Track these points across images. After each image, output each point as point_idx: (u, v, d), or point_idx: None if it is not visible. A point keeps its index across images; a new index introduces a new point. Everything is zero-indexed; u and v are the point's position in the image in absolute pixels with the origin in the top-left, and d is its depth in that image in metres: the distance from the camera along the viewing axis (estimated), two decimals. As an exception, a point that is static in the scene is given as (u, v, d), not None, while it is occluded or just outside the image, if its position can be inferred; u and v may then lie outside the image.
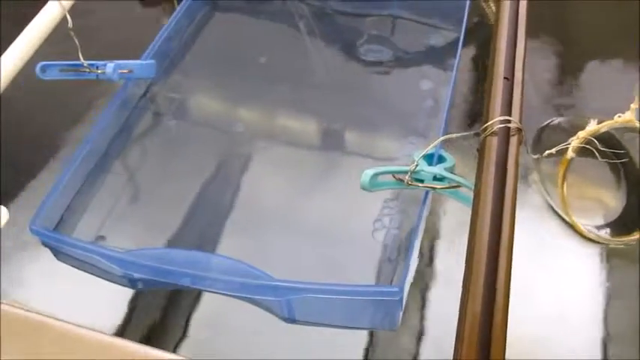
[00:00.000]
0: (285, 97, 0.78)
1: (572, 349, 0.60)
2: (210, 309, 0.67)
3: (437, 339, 0.64)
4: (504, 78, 0.61)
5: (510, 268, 0.48)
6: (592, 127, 0.61)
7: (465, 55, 0.82)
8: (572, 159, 0.60)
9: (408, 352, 0.63)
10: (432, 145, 0.57)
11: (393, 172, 0.58)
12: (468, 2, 0.78)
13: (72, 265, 0.62)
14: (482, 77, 0.81)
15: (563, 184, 0.62)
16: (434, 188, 0.58)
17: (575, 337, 0.61)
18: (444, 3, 0.82)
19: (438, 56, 0.82)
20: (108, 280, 0.63)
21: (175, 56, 0.80)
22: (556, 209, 0.65)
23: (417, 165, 0.58)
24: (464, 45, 0.79)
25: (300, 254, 0.64)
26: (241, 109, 0.77)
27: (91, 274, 0.62)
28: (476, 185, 0.53)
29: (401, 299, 0.54)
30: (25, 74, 0.65)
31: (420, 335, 0.65)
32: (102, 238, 0.65)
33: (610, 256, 0.66)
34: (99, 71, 0.68)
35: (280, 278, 0.55)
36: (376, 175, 0.57)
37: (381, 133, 0.75)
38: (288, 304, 0.56)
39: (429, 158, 0.62)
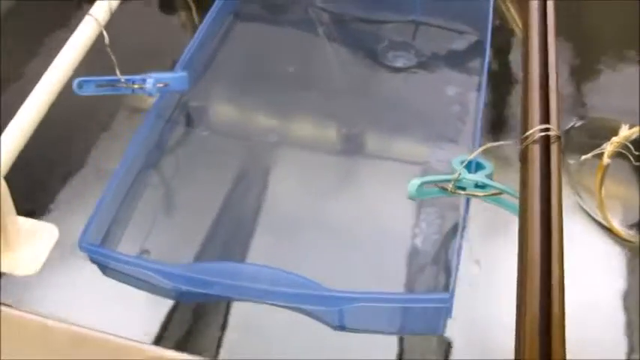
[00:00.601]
0: (315, 105, 0.79)
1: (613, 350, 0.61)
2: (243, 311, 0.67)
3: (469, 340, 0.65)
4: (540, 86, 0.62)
5: (563, 271, 0.49)
6: (625, 131, 0.62)
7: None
8: (608, 165, 0.62)
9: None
10: (474, 154, 0.58)
11: (437, 182, 0.59)
12: (491, 6, 0.79)
13: (118, 280, 0.63)
14: (504, 81, 0.82)
15: (600, 188, 0.63)
16: (476, 196, 0.60)
17: (614, 338, 0.62)
18: (466, 7, 0.84)
19: (462, 61, 0.84)
20: (153, 292, 0.63)
21: (204, 67, 0.81)
22: (590, 213, 0.67)
23: (460, 174, 0.59)
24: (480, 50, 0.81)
25: (342, 262, 0.65)
26: (272, 118, 0.78)
27: (136, 287, 0.63)
28: (522, 193, 0.54)
29: (451, 305, 0.55)
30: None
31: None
32: (146, 252, 0.65)
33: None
34: (135, 86, 0.69)
35: (330, 288, 0.56)
36: (422, 184, 0.58)
37: (411, 139, 0.76)
38: (339, 313, 0.57)
39: (467, 165, 0.63)
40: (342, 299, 0.55)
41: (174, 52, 0.85)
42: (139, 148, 0.68)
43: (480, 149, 0.58)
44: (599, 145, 0.65)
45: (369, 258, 0.65)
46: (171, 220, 0.69)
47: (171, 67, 0.82)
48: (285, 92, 0.81)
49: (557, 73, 0.62)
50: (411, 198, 0.58)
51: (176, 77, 0.71)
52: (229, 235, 0.68)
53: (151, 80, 0.66)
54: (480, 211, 0.68)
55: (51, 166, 0.73)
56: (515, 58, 0.83)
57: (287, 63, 0.83)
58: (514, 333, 0.60)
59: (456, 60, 0.84)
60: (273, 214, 0.70)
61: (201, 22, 0.82)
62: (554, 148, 0.56)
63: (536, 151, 0.56)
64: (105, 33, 0.66)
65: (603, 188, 0.63)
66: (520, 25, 0.87)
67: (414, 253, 0.66)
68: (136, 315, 0.63)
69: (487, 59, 0.74)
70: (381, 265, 0.65)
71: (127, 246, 0.66)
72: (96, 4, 0.66)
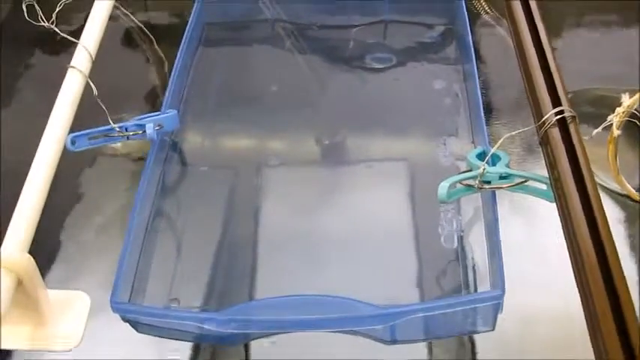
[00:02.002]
0: (306, 121, 0.79)
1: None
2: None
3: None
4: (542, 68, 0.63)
5: (617, 254, 0.50)
6: (627, 101, 0.63)
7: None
8: (618, 136, 0.63)
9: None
10: (496, 146, 0.58)
11: (463, 180, 0.59)
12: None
13: (152, 334, 0.61)
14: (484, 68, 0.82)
15: (615, 159, 0.64)
16: (502, 188, 0.60)
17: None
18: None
19: (440, 53, 0.84)
20: (187, 340, 0.62)
21: (187, 101, 0.78)
22: (606, 185, 0.68)
23: (484, 168, 0.58)
24: (457, 38, 0.81)
25: (375, 275, 0.65)
26: (269, 140, 0.77)
27: (170, 337, 0.61)
28: (554, 178, 0.55)
29: (502, 301, 0.55)
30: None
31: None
32: (176, 300, 0.63)
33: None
34: (130, 133, 0.67)
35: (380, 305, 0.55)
36: (451, 185, 0.58)
37: (411, 139, 0.76)
38: (392, 329, 0.56)
39: (481, 158, 0.63)
40: (394, 315, 0.54)
41: (144, 90, 0.84)
42: (146, 196, 0.66)
43: (502, 140, 0.58)
44: (599, 116, 0.66)
45: (405, 266, 0.64)
46: (186, 264, 0.67)
47: (148, 107, 0.80)
48: (274, 113, 0.79)
49: (552, 52, 0.62)
50: (443, 201, 0.57)
51: (168, 117, 0.69)
52: (254, 268, 0.67)
53: (151, 125, 0.64)
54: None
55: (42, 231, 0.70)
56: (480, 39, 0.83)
57: (267, 82, 0.82)
58: (553, 323, 0.61)
59: (434, 53, 0.84)
60: (293, 236, 0.69)
61: (169, 55, 0.80)
62: (572, 128, 0.56)
63: (556, 135, 0.56)
64: (92, 84, 0.63)
65: (614, 159, 0.64)
66: (486, 7, 0.87)
67: (448, 254, 0.65)
68: None
69: (471, 46, 0.74)
70: (421, 272, 0.65)
71: (154, 299, 0.64)
72: (76, 53, 0.64)
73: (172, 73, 0.75)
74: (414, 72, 0.82)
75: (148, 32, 0.87)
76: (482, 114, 0.67)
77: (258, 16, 0.87)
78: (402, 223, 0.69)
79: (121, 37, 0.90)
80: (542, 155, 0.58)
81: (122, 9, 0.86)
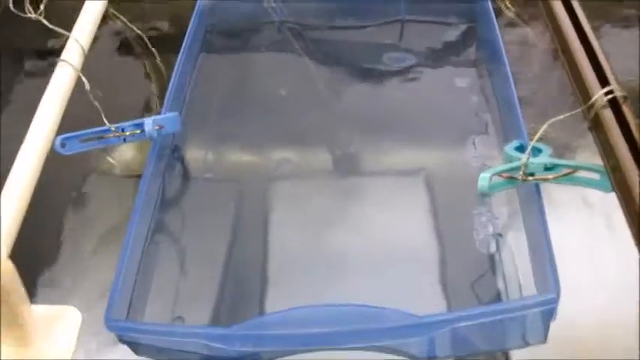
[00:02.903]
0: (318, 128, 0.72)
1: None
2: None
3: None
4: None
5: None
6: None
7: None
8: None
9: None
10: (541, 130, 0.51)
11: (505, 171, 0.52)
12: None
13: (153, 357, 0.53)
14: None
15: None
16: (548, 179, 0.53)
17: None
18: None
19: (460, 51, 0.78)
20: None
21: (190, 106, 0.72)
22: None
23: (528, 158, 0.51)
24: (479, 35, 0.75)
25: (400, 291, 0.57)
26: (277, 149, 0.70)
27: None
28: (613, 167, 0.48)
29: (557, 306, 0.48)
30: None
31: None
32: (179, 319, 0.56)
33: None
34: (127, 133, 0.60)
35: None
36: (491, 177, 0.51)
37: (434, 141, 0.69)
38: (429, 342, 0.49)
39: (520, 150, 0.56)
40: (435, 324, 0.46)
41: (142, 101, 0.77)
42: (145, 208, 0.59)
43: (545, 125, 0.51)
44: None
45: (441, 276, 0.57)
46: (191, 279, 0.59)
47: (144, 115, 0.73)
48: (285, 119, 0.73)
49: (592, 31, 0.56)
50: (484, 193, 0.50)
51: (169, 118, 0.62)
52: (251, 283, 0.59)
53: (150, 122, 0.57)
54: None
55: (34, 245, 0.63)
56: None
57: (275, 87, 0.75)
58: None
59: (454, 51, 0.78)
60: (307, 246, 0.62)
61: (170, 64, 0.74)
62: (626, 109, 0.50)
63: (609, 117, 0.50)
64: (84, 78, 0.56)
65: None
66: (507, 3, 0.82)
67: (485, 259, 0.58)
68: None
69: (500, 39, 0.68)
70: (457, 280, 0.58)
71: (155, 317, 0.56)
72: (67, 47, 0.57)
73: (172, 77, 0.69)
74: (434, 71, 0.76)
75: (146, 39, 0.81)
76: (518, 107, 0.60)
77: (264, 18, 0.81)
78: (427, 233, 0.62)
79: (118, 46, 0.83)
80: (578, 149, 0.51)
81: (119, 16, 0.79)
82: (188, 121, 0.70)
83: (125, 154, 0.72)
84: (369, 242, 0.62)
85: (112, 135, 0.59)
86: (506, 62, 0.66)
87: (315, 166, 0.70)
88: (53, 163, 0.57)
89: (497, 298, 0.55)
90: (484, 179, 0.50)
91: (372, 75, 0.77)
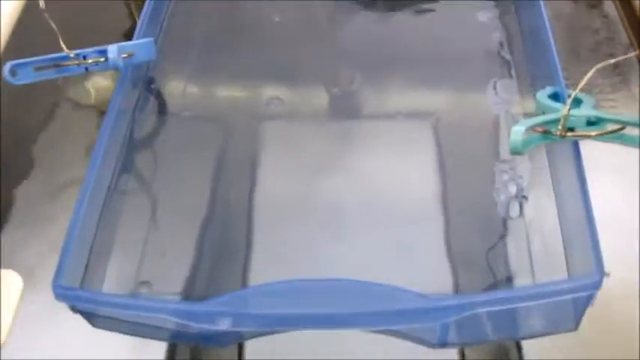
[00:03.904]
0: (315, 61, 0.62)
1: None
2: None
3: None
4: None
5: None
6: None
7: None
8: None
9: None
10: (588, 75, 0.42)
11: (541, 124, 0.43)
12: None
13: (112, 330, 0.45)
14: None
15: None
16: (590, 136, 0.44)
17: None
18: None
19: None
20: (160, 339, 0.46)
21: (168, 30, 0.62)
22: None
23: (569, 109, 0.42)
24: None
25: (404, 255, 0.49)
26: (268, 84, 0.60)
27: (139, 336, 0.45)
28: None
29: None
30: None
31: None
32: (146, 283, 0.47)
33: None
34: (89, 61, 0.50)
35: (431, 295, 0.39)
36: (526, 130, 0.42)
37: (454, 81, 0.60)
38: (442, 328, 0.40)
39: (556, 99, 0.47)
40: (455, 308, 0.38)
41: (114, 24, 0.67)
42: (108, 150, 0.49)
43: (591, 73, 0.42)
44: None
45: (453, 246, 0.48)
46: (161, 236, 0.51)
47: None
48: (269, 48, 0.63)
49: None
50: (516, 151, 0.41)
51: (141, 45, 0.52)
52: (234, 242, 0.50)
53: (114, 49, 0.47)
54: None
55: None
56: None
57: (267, 11, 0.65)
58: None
59: None
60: (299, 203, 0.53)
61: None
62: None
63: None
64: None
65: None
66: None
67: (492, 227, 0.49)
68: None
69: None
70: (439, 251, 0.50)
71: (118, 281, 0.47)
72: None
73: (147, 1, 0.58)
74: (451, 1, 0.65)
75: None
76: (554, 46, 0.50)
77: None
78: (436, 188, 0.53)
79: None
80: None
81: None
82: (165, 48, 0.60)
83: (100, 82, 0.62)
84: (369, 195, 0.54)
85: (70, 63, 0.49)
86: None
87: (310, 106, 0.61)
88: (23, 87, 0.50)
89: (520, 275, 0.47)
90: (517, 133, 0.41)
91: (378, 5, 0.66)
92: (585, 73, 0.42)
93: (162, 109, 0.59)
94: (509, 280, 0.47)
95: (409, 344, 0.43)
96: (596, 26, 0.65)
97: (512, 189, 0.51)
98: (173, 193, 0.54)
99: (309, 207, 0.53)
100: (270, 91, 0.61)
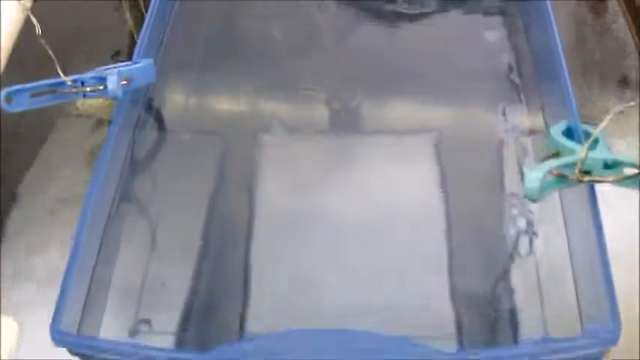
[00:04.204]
0: (318, 75, 0.60)
1: None
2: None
3: None
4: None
5: None
6: None
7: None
8: None
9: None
10: (608, 118, 0.41)
11: (558, 167, 0.42)
12: None
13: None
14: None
15: None
16: (607, 181, 0.42)
17: None
18: None
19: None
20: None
21: (167, 49, 0.60)
22: None
23: (586, 152, 0.41)
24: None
25: (418, 293, 0.47)
26: (269, 102, 0.58)
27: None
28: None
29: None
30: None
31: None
32: (146, 322, 0.46)
33: None
34: (87, 89, 0.48)
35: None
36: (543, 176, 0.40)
37: (459, 105, 0.58)
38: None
39: (569, 135, 0.46)
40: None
41: (109, 36, 0.65)
42: (108, 175, 0.48)
43: (614, 112, 0.40)
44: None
45: (460, 286, 0.47)
46: (162, 267, 0.49)
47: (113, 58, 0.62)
48: (270, 67, 0.62)
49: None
50: (532, 199, 0.40)
51: (140, 68, 0.51)
52: (234, 267, 0.50)
53: (114, 79, 0.45)
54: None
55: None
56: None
57: (268, 29, 0.63)
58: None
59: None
60: (280, 223, 0.52)
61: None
62: None
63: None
64: (34, 20, 0.44)
65: None
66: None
67: (500, 263, 0.48)
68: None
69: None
70: (483, 292, 0.48)
71: (117, 319, 0.46)
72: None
73: (149, 12, 0.56)
74: (458, 20, 0.64)
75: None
76: (566, 73, 0.49)
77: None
78: (443, 219, 0.51)
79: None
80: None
81: None
82: (164, 67, 0.58)
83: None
84: (370, 220, 0.53)
85: (68, 91, 0.47)
86: (551, 15, 0.54)
87: (311, 123, 0.59)
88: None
89: (526, 316, 0.45)
90: (533, 180, 0.40)
91: (383, 19, 0.65)
92: (593, 87, 0.40)
93: (161, 128, 0.58)
94: (515, 322, 0.46)
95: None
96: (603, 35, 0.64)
97: (522, 223, 0.49)
98: (171, 221, 0.53)
99: (309, 232, 0.52)
100: (271, 109, 0.59)
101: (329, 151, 0.57)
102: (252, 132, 0.57)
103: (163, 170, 0.55)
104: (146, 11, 0.63)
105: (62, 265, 0.43)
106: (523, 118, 0.55)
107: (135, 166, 0.54)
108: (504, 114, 0.56)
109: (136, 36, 0.66)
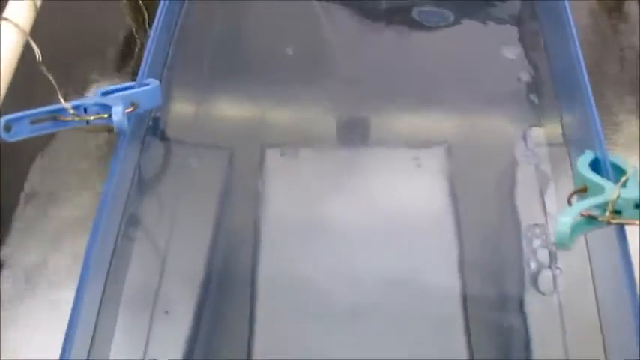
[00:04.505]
0: (326, 87, 0.57)
1: None
2: None
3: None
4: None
5: None
6: None
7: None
8: None
9: None
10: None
11: (587, 209, 0.39)
12: None
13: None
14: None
15: None
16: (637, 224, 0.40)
17: None
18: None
19: (513, 13, 0.63)
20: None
21: (173, 68, 0.58)
22: None
23: (618, 193, 0.39)
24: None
25: (431, 332, 0.45)
26: (284, 122, 0.56)
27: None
28: None
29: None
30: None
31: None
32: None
33: None
34: (90, 117, 0.46)
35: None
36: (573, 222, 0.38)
37: (477, 126, 0.56)
38: None
39: (596, 168, 0.43)
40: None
41: (115, 51, 0.63)
42: (115, 198, 0.46)
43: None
44: None
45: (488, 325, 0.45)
46: (170, 301, 0.47)
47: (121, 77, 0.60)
48: (293, 85, 0.59)
49: None
50: (564, 246, 0.38)
51: (146, 92, 0.48)
52: (240, 292, 0.48)
53: (119, 109, 0.43)
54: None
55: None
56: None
57: (278, 44, 0.61)
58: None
59: (504, 12, 0.63)
60: (288, 240, 0.50)
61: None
62: None
63: None
64: (34, 45, 0.42)
65: None
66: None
67: (541, 307, 0.46)
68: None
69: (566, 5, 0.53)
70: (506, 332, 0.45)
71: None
72: (10, 3, 0.42)
73: (153, 29, 0.54)
74: (475, 35, 0.61)
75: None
76: (591, 97, 0.46)
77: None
78: (455, 251, 0.49)
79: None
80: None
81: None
82: (170, 87, 0.56)
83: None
84: (377, 226, 0.51)
85: (70, 118, 0.45)
86: (574, 34, 0.52)
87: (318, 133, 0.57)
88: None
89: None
90: (565, 225, 0.38)
91: (396, 31, 0.62)
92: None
93: (167, 146, 0.55)
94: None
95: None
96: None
97: (544, 257, 0.47)
98: (178, 245, 0.50)
99: (317, 248, 0.50)
100: (291, 132, 0.57)
101: (336, 163, 0.55)
102: (259, 147, 0.55)
103: (168, 194, 0.53)
104: (148, 13, 0.61)
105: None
106: (543, 142, 0.53)
107: (141, 193, 0.52)
108: (525, 139, 0.53)
109: (136, 36, 0.64)
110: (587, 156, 0.45)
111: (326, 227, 0.51)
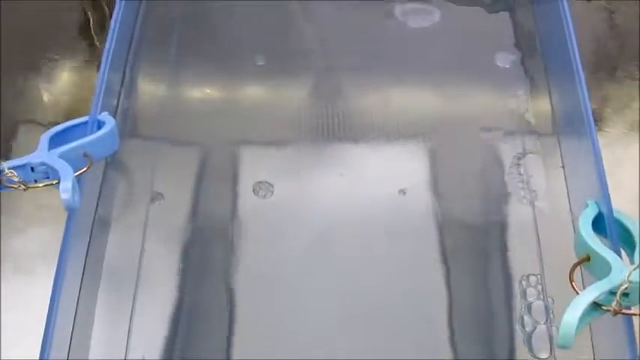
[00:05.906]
0: (309, 85, 0.54)
1: None
2: None
3: None
4: None
5: None
6: None
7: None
8: None
9: None
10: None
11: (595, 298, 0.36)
12: None
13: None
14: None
15: None
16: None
17: None
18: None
19: (507, 15, 0.57)
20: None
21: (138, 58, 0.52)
22: None
23: (629, 279, 0.35)
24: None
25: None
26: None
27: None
28: None
29: None
30: None
31: None
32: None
33: None
34: (39, 185, 0.41)
35: None
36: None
37: (467, 147, 0.51)
38: None
39: (600, 226, 0.39)
40: None
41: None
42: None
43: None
44: None
45: None
46: (155, 301, 0.45)
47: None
48: (268, 101, 0.55)
49: None
50: (567, 346, 0.34)
51: (101, 138, 0.43)
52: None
53: (67, 185, 0.38)
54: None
55: None
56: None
57: (257, 53, 0.55)
58: None
59: (495, 14, 0.57)
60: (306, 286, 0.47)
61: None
62: None
63: None
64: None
65: None
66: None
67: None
68: None
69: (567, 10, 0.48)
70: None
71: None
72: None
73: (105, 51, 0.47)
74: (470, 36, 0.56)
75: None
76: (593, 125, 0.42)
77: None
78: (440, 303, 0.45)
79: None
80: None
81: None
82: (128, 121, 0.51)
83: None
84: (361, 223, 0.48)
85: (10, 185, 0.40)
86: (575, 44, 0.47)
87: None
88: None
89: None
90: (570, 326, 0.34)
91: (379, 32, 0.57)
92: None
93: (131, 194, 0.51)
94: None
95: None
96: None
97: (540, 314, 0.44)
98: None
99: (295, 246, 0.47)
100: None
101: (317, 158, 0.52)
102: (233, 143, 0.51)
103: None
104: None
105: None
106: (540, 173, 0.49)
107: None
108: (519, 166, 0.49)
109: (95, 39, 0.59)
110: (590, 210, 0.41)
111: (308, 224, 0.48)
